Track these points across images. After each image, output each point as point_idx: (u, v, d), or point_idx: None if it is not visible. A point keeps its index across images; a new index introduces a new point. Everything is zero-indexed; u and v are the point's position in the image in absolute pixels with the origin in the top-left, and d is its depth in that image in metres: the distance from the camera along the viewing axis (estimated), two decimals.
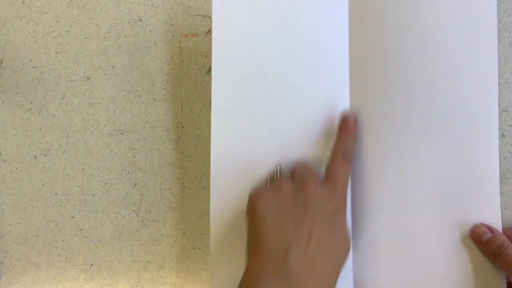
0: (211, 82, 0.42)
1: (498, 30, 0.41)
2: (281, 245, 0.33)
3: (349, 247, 0.36)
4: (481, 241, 0.37)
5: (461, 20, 0.39)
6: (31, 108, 0.46)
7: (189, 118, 0.44)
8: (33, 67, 0.46)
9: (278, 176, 0.38)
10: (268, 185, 0.37)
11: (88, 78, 0.45)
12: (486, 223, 0.38)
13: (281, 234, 0.33)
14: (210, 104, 0.42)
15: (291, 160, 0.39)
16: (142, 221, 0.45)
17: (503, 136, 0.40)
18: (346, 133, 0.39)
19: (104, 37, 0.45)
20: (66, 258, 0.45)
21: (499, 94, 0.40)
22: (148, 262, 0.44)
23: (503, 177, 0.40)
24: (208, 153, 0.43)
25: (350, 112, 0.40)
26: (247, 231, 0.36)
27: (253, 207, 0.35)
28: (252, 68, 0.41)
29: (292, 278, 0.31)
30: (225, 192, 0.40)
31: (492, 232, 0.37)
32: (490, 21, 0.39)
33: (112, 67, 0.45)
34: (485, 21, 0.39)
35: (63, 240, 0.45)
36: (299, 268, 0.32)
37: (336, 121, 0.40)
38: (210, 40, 0.43)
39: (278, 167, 0.39)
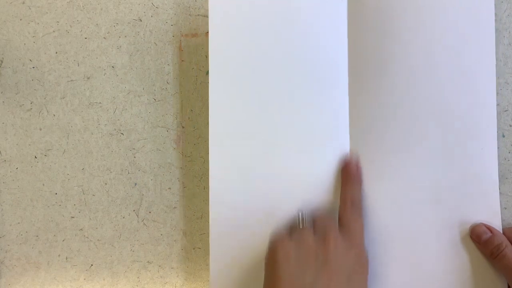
0: None
1: (498, 30, 0.41)
2: None
3: None
4: (480, 240, 0.37)
5: (458, 21, 0.39)
6: (31, 108, 0.46)
7: (189, 118, 0.44)
8: (33, 67, 0.46)
9: (300, 225, 0.38)
10: (290, 233, 0.37)
11: (88, 78, 0.45)
12: (486, 223, 0.38)
13: (299, 286, 0.33)
14: None
15: (310, 203, 0.39)
16: (142, 221, 0.45)
17: (503, 136, 0.40)
18: (350, 180, 0.39)
19: (104, 37, 0.45)
20: (66, 258, 0.45)
21: (499, 94, 0.40)
22: (148, 262, 0.44)
23: (503, 177, 0.40)
24: (208, 153, 0.43)
25: (351, 157, 0.40)
26: (265, 277, 0.36)
27: (274, 254, 0.35)
28: (250, 68, 0.41)
29: None
30: (225, 192, 0.40)
31: (491, 232, 0.37)
32: (488, 22, 0.39)
33: (112, 67, 0.45)
34: (483, 21, 0.39)
35: (63, 240, 0.45)
36: None
37: (330, 128, 0.40)
38: None
39: (300, 214, 0.39)
